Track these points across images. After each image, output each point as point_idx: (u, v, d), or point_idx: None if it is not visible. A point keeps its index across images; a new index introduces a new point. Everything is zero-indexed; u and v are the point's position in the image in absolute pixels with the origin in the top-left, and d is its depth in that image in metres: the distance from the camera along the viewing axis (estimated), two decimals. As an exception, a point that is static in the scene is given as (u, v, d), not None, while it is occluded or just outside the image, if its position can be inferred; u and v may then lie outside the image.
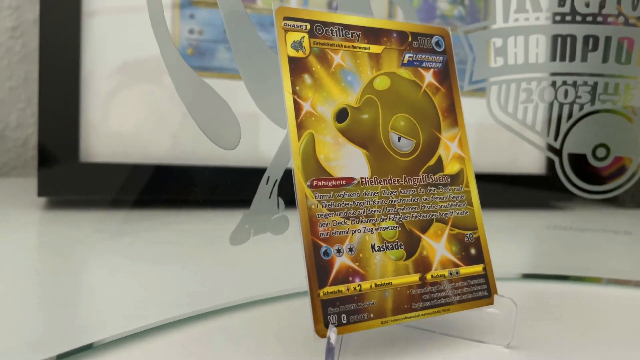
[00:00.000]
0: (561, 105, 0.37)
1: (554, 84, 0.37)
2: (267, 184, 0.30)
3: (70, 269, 0.38)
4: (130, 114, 0.52)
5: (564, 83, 0.37)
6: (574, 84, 0.37)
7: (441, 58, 0.30)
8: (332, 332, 0.23)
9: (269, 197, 0.31)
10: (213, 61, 0.52)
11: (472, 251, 0.28)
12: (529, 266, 0.43)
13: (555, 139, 0.38)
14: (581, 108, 0.37)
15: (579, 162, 0.38)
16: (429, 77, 0.29)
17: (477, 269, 0.28)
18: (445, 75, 0.30)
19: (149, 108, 0.52)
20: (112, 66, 0.50)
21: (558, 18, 0.36)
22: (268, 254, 0.32)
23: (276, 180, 0.30)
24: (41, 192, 0.48)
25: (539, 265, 0.43)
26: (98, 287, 0.36)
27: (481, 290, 0.28)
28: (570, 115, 0.37)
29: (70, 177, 0.49)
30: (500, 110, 0.37)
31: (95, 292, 0.35)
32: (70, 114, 0.49)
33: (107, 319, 0.30)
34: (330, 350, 0.22)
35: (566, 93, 0.37)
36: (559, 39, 0.37)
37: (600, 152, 0.38)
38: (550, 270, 0.39)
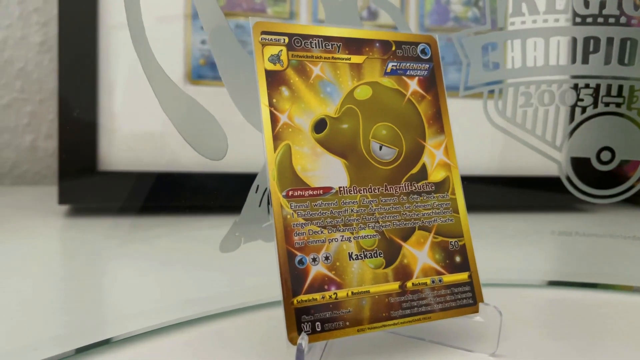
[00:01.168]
0: (562, 108, 0.36)
1: (563, 86, 0.36)
2: (256, 192, 0.31)
3: (85, 272, 0.40)
4: (147, 123, 0.53)
5: (562, 85, 0.36)
6: (575, 87, 0.36)
7: (427, 66, 0.30)
8: (302, 340, 0.23)
9: (259, 205, 0.31)
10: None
11: (457, 259, 0.28)
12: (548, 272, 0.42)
13: (557, 142, 0.37)
14: (584, 111, 0.36)
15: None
16: (413, 85, 0.30)
17: (462, 276, 0.28)
18: (432, 82, 0.30)
19: (164, 116, 0.53)
20: (129, 77, 0.52)
21: (568, 18, 0.36)
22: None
23: (266, 188, 0.31)
24: (62, 200, 0.50)
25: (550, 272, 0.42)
26: (115, 289, 0.37)
27: (466, 298, 0.28)
28: (572, 118, 0.37)
29: (89, 186, 0.51)
30: (498, 114, 0.36)
31: (111, 293, 0.37)
32: (89, 125, 0.51)
33: (123, 316, 0.32)
34: (299, 358, 0.23)
35: (568, 96, 0.36)
36: (559, 41, 0.36)
37: (605, 156, 0.37)
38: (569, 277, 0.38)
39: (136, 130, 0.53)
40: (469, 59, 0.35)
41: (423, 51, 0.30)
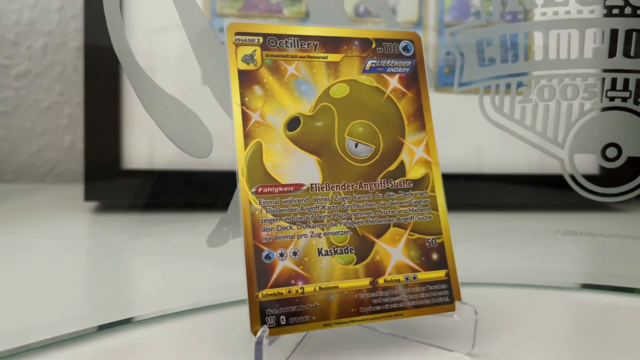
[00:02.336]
0: (564, 103, 0.35)
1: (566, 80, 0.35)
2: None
3: (104, 263, 0.42)
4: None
5: (564, 80, 0.35)
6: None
7: (409, 62, 0.30)
8: (262, 332, 0.24)
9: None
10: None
11: (434, 256, 0.28)
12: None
13: (559, 139, 0.36)
14: (587, 106, 0.35)
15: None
16: (394, 82, 0.30)
17: (439, 274, 0.28)
18: (414, 79, 0.30)
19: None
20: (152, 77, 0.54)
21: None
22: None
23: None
24: (87, 197, 0.53)
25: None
26: (135, 277, 0.39)
27: (442, 297, 0.28)
28: (576, 114, 0.35)
29: (113, 183, 0.54)
30: (495, 110, 0.36)
31: (131, 280, 0.40)
32: (113, 126, 0.54)
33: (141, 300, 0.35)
34: (258, 349, 0.23)
35: (570, 90, 0.35)
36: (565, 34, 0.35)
37: (611, 153, 0.35)
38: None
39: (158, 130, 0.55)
40: (464, 54, 0.35)
41: (405, 48, 0.30)
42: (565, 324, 0.32)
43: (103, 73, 0.53)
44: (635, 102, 0.34)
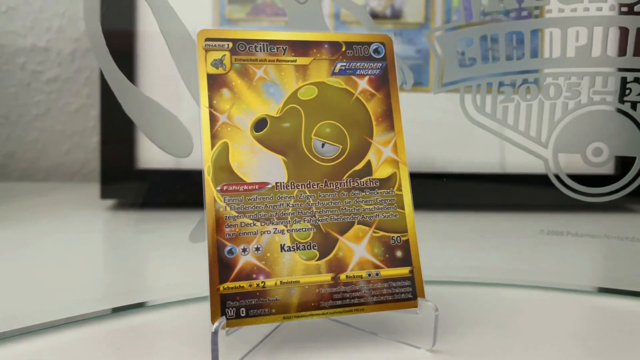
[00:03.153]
0: (546, 103, 0.35)
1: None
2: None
3: (123, 253, 0.44)
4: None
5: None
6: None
7: (379, 64, 0.31)
8: (218, 322, 0.25)
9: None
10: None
11: (398, 254, 0.29)
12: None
13: (543, 139, 0.36)
14: (571, 105, 0.35)
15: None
16: (363, 84, 0.30)
17: (403, 271, 0.29)
18: (383, 81, 0.31)
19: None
20: (166, 79, 0.57)
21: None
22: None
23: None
24: (104, 196, 0.56)
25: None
26: (147, 267, 0.42)
27: (405, 293, 0.28)
28: (559, 113, 0.35)
29: (128, 182, 0.56)
30: (477, 110, 0.36)
31: (143, 270, 0.42)
32: (128, 126, 0.56)
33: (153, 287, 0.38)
34: (213, 339, 0.25)
35: (553, 90, 0.35)
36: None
37: (596, 152, 0.35)
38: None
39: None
40: (445, 56, 0.35)
41: (376, 50, 0.31)
42: (535, 322, 0.32)
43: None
44: (620, 101, 0.34)
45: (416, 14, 0.59)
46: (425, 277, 0.30)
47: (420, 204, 0.30)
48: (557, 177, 0.36)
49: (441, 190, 0.44)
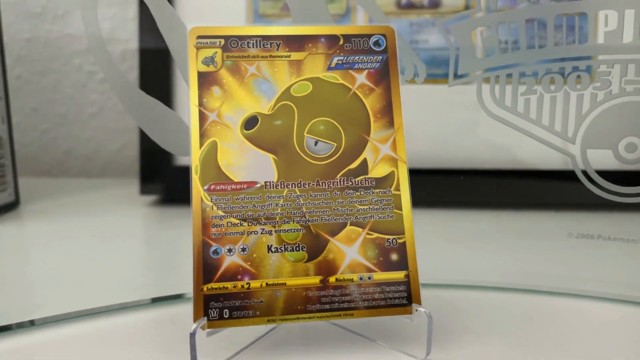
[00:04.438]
0: (573, 94, 0.32)
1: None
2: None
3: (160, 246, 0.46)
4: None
5: (575, 69, 0.32)
6: (588, 69, 0.32)
7: (380, 57, 0.29)
8: (197, 323, 0.25)
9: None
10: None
11: (393, 257, 0.27)
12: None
13: (570, 134, 0.33)
14: (600, 97, 0.32)
15: None
16: (361, 78, 0.29)
17: (398, 275, 0.27)
18: (384, 75, 0.29)
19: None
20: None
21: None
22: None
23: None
24: (142, 192, 0.57)
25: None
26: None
27: (399, 298, 0.27)
28: (588, 105, 0.32)
29: (165, 179, 0.58)
30: (495, 103, 0.33)
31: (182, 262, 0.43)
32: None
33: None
34: (191, 339, 0.24)
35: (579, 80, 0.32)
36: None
37: (630, 148, 0.32)
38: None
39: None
40: (457, 46, 0.33)
41: (377, 43, 0.29)
42: (550, 333, 0.29)
43: (156, 75, 0.57)
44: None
45: (456, 2, 0.56)
46: (437, 280, 0.29)
47: (436, 201, 0.29)
48: (585, 174, 0.33)
49: (458, 187, 0.42)
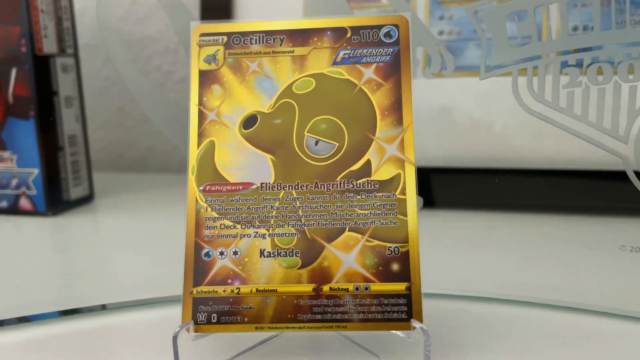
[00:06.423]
0: (624, 86, 0.28)
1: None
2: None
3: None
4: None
5: (627, 56, 0.28)
6: None
7: (390, 50, 0.27)
8: (180, 327, 0.24)
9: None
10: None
11: (394, 267, 0.25)
12: None
13: (621, 132, 0.29)
14: (659, 88, 0.27)
15: None
16: (369, 73, 0.27)
17: (398, 287, 0.25)
18: (394, 68, 0.27)
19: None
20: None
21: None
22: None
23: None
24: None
25: None
26: None
27: (397, 312, 0.25)
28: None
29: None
30: (533, 97, 0.30)
31: None
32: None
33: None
34: (174, 343, 0.24)
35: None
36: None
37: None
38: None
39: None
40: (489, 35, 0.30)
41: (388, 34, 0.27)
42: (570, 354, 0.26)
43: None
44: None
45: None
46: (463, 291, 0.26)
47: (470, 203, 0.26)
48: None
49: (492, 188, 0.38)
